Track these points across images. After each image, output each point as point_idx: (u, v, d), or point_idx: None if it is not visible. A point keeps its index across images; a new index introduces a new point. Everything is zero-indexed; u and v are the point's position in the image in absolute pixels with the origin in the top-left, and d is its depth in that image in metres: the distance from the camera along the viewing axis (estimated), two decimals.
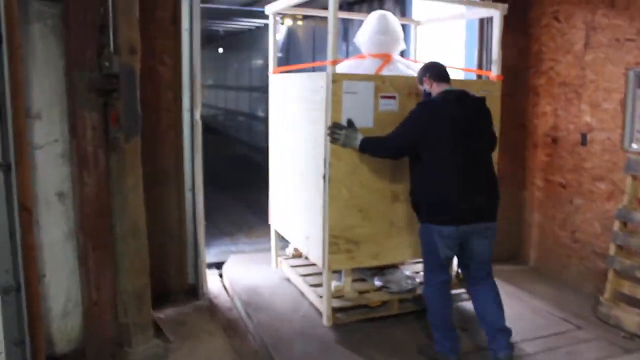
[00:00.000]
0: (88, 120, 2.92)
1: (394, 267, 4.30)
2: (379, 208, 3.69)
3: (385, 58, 4.06)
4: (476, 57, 4.92)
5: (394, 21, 4.11)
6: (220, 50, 17.83)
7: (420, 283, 3.91)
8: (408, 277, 4.10)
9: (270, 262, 4.84)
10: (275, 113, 4.54)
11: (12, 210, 2.37)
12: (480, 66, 4.87)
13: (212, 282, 4.59)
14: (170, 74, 4.09)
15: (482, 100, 3.40)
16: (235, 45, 15.82)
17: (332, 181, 3.53)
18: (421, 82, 3.45)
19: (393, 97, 3.62)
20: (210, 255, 5.00)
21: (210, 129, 17.35)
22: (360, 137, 3.44)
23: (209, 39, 16.29)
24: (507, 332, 3.30)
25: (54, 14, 2.85)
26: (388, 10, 4.90)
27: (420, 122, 3.24)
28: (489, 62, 4.64)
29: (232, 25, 13.15)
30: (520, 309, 4.10)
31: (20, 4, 2.49)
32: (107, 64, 2.83)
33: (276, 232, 4.72)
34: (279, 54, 7.46)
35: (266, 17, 4.61)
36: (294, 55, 11.16)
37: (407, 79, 3.71)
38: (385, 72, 3.94)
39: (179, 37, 3.99)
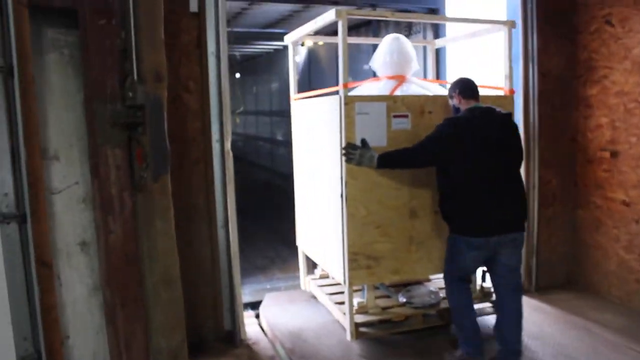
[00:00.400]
0: (111, 158, 2.57)
1: (418, 283, 4.38)
2: (398, 224, 3.78)
3: (400, 79, 4.15)
4: (521, 68, 4.65)
5: (406, 43, 4.21)
6: (238, 75, 17.68)
7: (444, 298, 3.96)
8: (432, 293, 4.13)
9: (309, 300, 4.63)
10: (298, 137, 4.70)
11: (29, 267, 2.07)
12: (526, 77, 4.68)
13: (249, 324, 4.20)
14: (197, 102, 3.82)
15: (508, 116, 3.52)
16: (253, 69, 15.72)
17: (349, 199, 3.64)
18: (451, 97, 3.57)
19: (405, 116, 3.73)
20: (243, 294, 4.57)
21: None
22: (375, 154, 3.53)
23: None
24: (519, 355, 3.41)
25: (70, 43, 2.50)
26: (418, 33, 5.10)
27: (446, 136, 3.36)
28: (534, 73, 4.69)
29: (251, 49, 12.98)
30: (593, 343, 3.78)
31: (32, 32, 2.24)
32: (130, 94, 2.51)
33: (304, 253, 4.80)
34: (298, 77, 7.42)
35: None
36: (315, 76, 10.95)
37: (419, 97, 3.82)
38: (399, 92, 4.01)
39: (205, 62, 3.70)
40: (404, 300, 4.04)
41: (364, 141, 3.58)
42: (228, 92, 3.84)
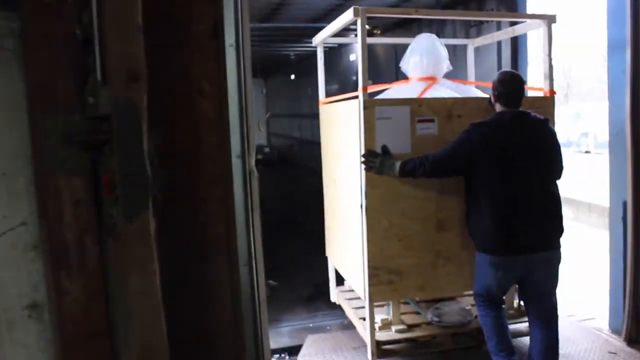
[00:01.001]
0: (65, 190, 1.80)
1: (451, 299, 4.06)
2: (423, 237, 3.53)
3: (430, 81, 3.89)
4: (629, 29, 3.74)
5: (437, 43, 3.96)
6: (293, 76, 17.51)
7: (476, 316, 3.63)
8: (463, 310, 3.86)
9: (359, 348, 3.95)
10: (324, 143, 4.53)
11: None
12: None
13: None
14: (212, 108, 3.51)
15: (543, 122, 3.18)
16: (309, 70, 15.56)
17: (369, 210, 3.42)
18: (492, 92, 3.26)
19: (431, 120, 3.47)
20: (279, 334, 4.07)
21: (284, 160, 17.11)
22: (397, 162, 3.30)
23: (280, 64, 16.03)
24: None
25: (16, 30, 1.78)
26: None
27: (469, 143, 3.10)
28: None
29: (302, 47, 12.70)
30: None
31: None
32: (91, 100, 1.78)
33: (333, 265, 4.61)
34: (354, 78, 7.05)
35: (343, 34, 4.66)
36: (373, 74, 10.53)
37: (446, 101, 3.54)
38: (427, 95, 3.75)
39: (222, 57, 3.38)
40: (433, 317, 3.78)
41: (385, 148, 3.37)
42: (252, 94, 3.61)
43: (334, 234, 4.39)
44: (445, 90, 3.82)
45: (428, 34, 4.04)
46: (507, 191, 3.03)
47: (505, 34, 4.30)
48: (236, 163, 3.37)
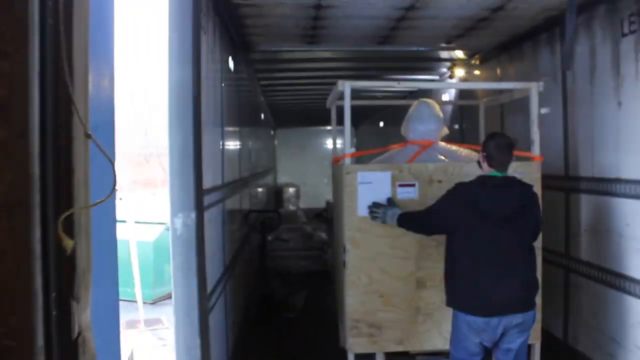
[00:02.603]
0: None
1: (440, 354, 4.04)
2: (403, 294, 3.73)
3: (424, 145, 4.13)
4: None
5: (434, 108, 4.19)
6: (382, 123, 14.59)
7: None
8: None
9: None
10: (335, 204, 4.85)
11: None
12: None
13: None
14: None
15: (526, 187, 3.30)
16: (398, 115, 13.90)
17: (349, 267, 3.69)
18: (481, 152, 3.34)
19: (412, 185, 3.72)
20: None
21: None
22: (398, 212, 3.50)
23: (369, 110, 12.70)
24: None
25: None
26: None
27: (451, 203, 3.24)
28: None
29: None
30: None
31: None
32: None
33: None
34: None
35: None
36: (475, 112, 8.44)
37: (427, 166, 3.77)
38: (418, 159, 3.99)
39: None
40: None
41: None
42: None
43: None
44: (434, 154, 4.07)
45: (426, 101, 4.31)
46: (484, 252, 3.13)
47: (505, 97, 4.50)
48: None
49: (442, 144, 4.23)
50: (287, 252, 8.15)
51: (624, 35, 3.80)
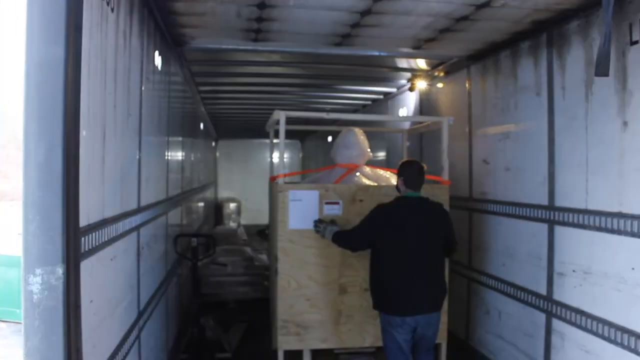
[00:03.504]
0: None
1: (361, 354, 4.60)
2: (327, 298, 4.26)
3: (350, 168, 4.75)
4: None
5: (359, 136, 4.82)
6: (330, 138, 13.26)
7: None
8: None
9: None
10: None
11: None
12: None
13: None
14: None
15: (437, 206, 3.93)
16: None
17: (281, 274, 4.22)
18: (398, 177, 3.86)
19: (337, 203, 4.27)
20: None
21: None
22: (335, 229, 4.00)
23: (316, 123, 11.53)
24: None
25: None
26: None
27: (374, 222, 3.77)
28: None
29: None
30: None
31: None
32: None
33: None
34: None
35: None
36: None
37: (350, 187, 4.38)
38: (344, 180, 4.61)
39: None
40: None
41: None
42: None
43: None
44: (356, 177, 4.69)
45: (353, 129, 4.92)
46: (401, 263, 3.68)
47: (424, 127, 5.19)
48: None
49: (367, 167, 4.84)
50: (225, 277, 7.30)
51: (633, 43, 3.19)
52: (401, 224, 3.70)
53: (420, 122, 5.55)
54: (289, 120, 4.31)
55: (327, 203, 4.25)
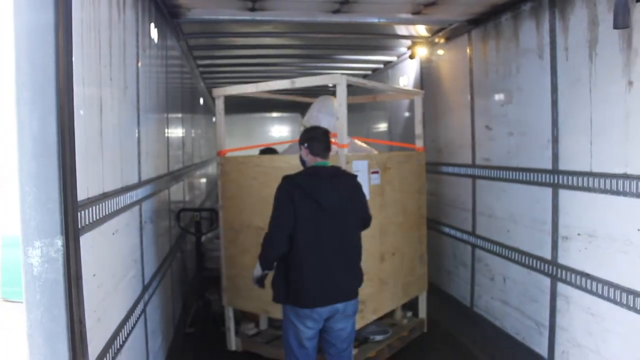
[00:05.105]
0: None
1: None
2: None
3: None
4: None
5: (333, 105, 4.49)
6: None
7: None
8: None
9: None
10: None
11: None
12: None
13: None
14: None
15: (352, 177, 3.46)
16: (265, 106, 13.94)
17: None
18: (300, 147, 3.39)
19: (377, 172, 4.29)
20: None
21: None
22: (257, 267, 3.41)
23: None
24: None
25: None
26: None
27: (284, 200, 3.18)
28: None
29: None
30: None
31: None
32: None
33: None
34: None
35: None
36: (437, 96, 6.46)
37: (382, 156, 4.55)
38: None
39: None
40: None
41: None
42: None
43: None
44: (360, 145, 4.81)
45: (326, 96, 4.91)
46: (311, 245, 3.15)
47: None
48: None
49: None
50: None
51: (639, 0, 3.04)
52: (316, 200, 3.15)
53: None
54: (290, 92, 4.31)
55: (373, 172, 4.20)
